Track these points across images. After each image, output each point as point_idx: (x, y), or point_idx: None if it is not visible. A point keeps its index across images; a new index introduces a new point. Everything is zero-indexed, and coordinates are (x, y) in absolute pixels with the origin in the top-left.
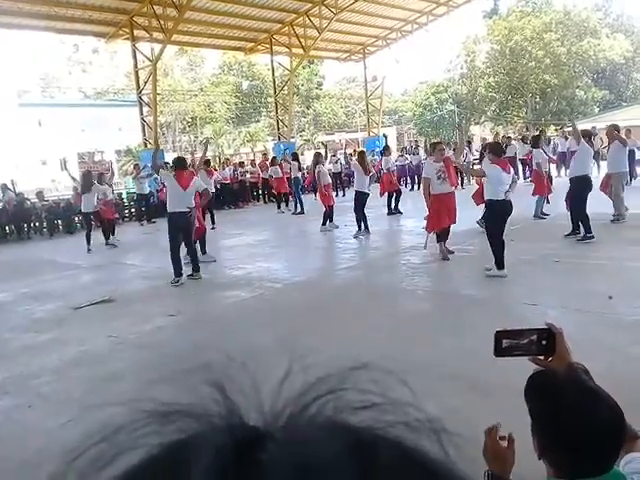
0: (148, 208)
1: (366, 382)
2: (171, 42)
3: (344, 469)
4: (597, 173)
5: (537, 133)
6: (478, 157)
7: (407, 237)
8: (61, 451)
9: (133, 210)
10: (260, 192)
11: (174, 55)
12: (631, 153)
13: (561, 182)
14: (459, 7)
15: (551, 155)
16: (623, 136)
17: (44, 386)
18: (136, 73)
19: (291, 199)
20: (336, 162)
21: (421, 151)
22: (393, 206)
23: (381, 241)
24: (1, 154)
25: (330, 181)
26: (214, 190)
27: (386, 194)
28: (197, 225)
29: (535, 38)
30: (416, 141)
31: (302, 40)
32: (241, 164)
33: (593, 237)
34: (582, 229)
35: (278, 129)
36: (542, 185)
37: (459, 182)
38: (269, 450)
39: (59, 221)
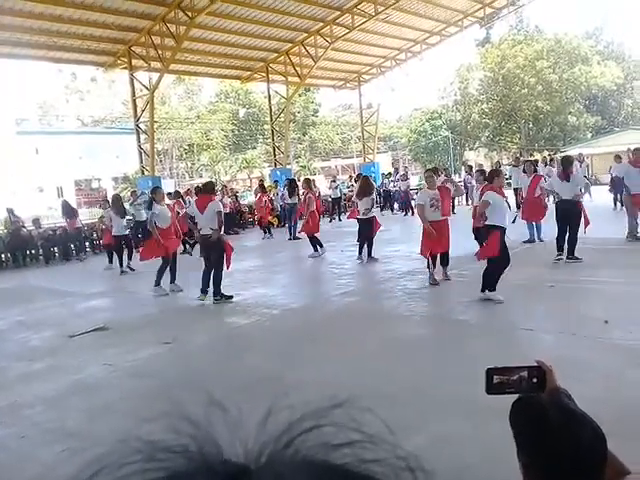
0: (145, 235)
1: (345, 420)
2: (169, 71)
3: None
4: (589, 198)
5: (528, 159)
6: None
7: (403, 262)
8: None
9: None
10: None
11: (171, 83)
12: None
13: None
14: (452, 36)
15: None
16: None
17: (38, 415)
18: (134, 101)
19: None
20: (335, 188)
21: (412, 177)
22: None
23: (377, 266)
24: None
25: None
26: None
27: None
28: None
29: (527, 66)
30: (405, 167)
31: (298, 69)
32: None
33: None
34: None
35: (274, 155)
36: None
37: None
38: None
39: (55, 248)
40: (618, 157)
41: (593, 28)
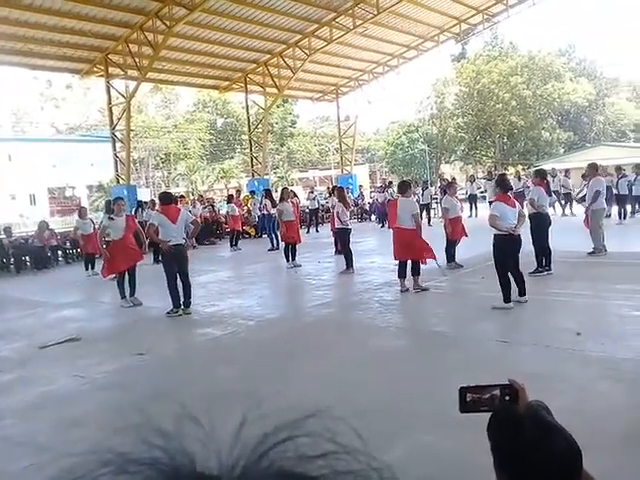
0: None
1: (320, 430)
2: (146, 80)
3: None
4: (561, 211)
5: (502, 172)
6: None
7: (379, 274)
8: None
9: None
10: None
11: (149, 92)
12: (608, 189)
13: None
14: (428, 51)
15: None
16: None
17: (7, 428)
18: (110, 109)
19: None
20: (313, 199)
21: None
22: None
23: (354, 278)
24: None
25: (293, 218)
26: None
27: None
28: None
29: (502, 81)
30: (384, 179)
31: (276, 80)
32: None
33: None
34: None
35: (252, 166)
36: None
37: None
38: None
39: (26, 257)
40: (585, 176)
41: (566, 45)
